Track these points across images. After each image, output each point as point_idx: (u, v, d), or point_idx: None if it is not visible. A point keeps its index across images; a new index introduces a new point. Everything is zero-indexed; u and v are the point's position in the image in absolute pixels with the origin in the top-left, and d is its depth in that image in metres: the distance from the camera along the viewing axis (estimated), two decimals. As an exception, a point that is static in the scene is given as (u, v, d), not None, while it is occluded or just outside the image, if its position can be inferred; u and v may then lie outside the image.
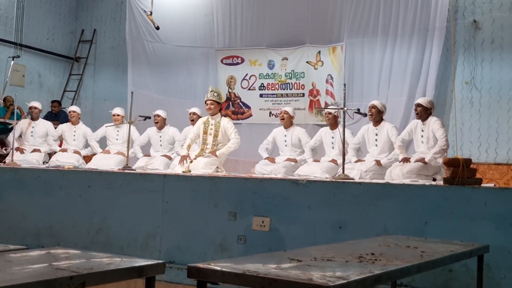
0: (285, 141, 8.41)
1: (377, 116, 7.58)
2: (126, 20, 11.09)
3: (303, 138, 8.31)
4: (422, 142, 7.12)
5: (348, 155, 7.52)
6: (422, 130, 7.13)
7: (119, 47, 12.19)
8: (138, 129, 9.18)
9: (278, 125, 8.65)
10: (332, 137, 8.03)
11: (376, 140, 7.61)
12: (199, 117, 8.70)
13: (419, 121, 7.17)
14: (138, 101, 9.95)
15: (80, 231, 6.78)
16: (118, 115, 9.22)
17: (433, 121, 7.04)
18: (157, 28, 9.70)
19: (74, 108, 9.74)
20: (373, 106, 7.57)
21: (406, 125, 7.69)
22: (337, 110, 7.91)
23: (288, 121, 8.40)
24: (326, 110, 8.30)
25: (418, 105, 7.13)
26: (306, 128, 8.88)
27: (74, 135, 9.41)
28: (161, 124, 9.09)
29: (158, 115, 9.05)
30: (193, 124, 8.62)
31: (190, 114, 8.90)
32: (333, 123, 7.99)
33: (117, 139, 9.28)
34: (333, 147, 8.02)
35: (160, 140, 9.13)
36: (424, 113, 7.09)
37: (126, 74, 11.19)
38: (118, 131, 9.29)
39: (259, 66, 10.36)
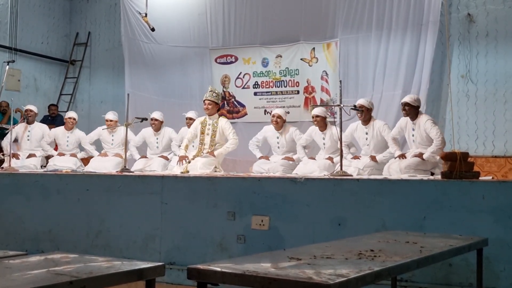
0: (278, 143, 8.34)
1: (367, 115, 7.52)
2: (121, 22, 11.08)
3: (297, 137, 8.19)
4: (414, 141, 7.08)
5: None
6: (413, 129, 7.05)
7: (114, 49, 12.18)
8: (134, 130, 9.10)
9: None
10: (323, 138, 7.94)
11: (366, 139, 7.56)
12: None
13: (408, 119, 7.07)
14: (135, 102, 9.95)
15: (79, 234, 6.76)
16: (111, 120, 9.15)
17: (424, 121, 6.94)
18: (153, 29, 9.71)
19: (72, 114, 9.62)
20: (361, 106, 7.43)
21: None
22: (333, 106, 7.88)
23: (281, 124, 8.29)
24: (312, 112, 8.08)
25: (406, 104, 7.00)
26: (302, 125, 8.85)
27: (68, 141, 9.36)
28: (158, 126, 9.07)
29: (156, 119, 9.01)
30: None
31: (186, 119, 8.90)
32: (322, 125, 7.92)
33: (112, 144, 9.23)
34: (324, 147, 7.97)
35: (157, 142, 9.09)
36: (412, 111, 7.00)
37: (122, 76, 11.19)
38: (113, 135, 9.24)
39: (253, 64, 10.34)
